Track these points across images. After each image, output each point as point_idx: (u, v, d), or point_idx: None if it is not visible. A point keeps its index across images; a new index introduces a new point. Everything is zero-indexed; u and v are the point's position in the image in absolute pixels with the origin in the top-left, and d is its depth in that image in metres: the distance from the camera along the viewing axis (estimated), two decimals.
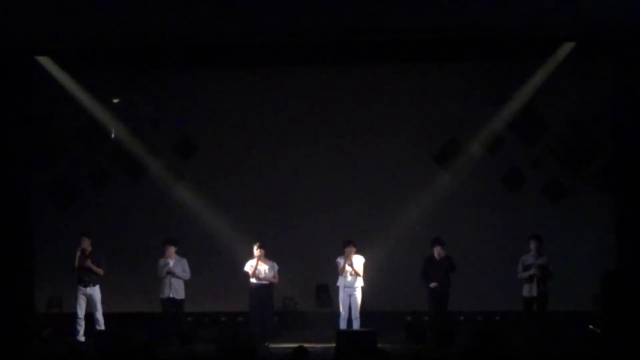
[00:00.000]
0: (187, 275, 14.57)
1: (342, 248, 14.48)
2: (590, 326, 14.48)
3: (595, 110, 15.71)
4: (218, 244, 15.81)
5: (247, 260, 14.60)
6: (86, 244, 14.50)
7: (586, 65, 15.47)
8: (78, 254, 14.41)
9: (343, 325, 14.42)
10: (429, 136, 16.05)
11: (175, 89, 16.16)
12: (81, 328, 14.50)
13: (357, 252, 14.53)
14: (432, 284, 14.47)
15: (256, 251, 14.48)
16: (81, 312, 14.48)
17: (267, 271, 14.49)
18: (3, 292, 15.03)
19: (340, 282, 14.56)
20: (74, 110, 15.99)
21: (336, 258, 14.54)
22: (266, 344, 14.10)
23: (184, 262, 14.59)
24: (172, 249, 14.54)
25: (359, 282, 14.52)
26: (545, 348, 13.55)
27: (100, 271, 14.49)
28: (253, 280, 14.54)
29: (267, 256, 14.59)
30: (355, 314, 14.48)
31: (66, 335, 14.59)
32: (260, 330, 14.11)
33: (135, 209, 16.19)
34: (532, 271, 14.10)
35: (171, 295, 14.46)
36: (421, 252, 14.75)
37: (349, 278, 14.48)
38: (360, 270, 14.48)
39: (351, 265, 14.42)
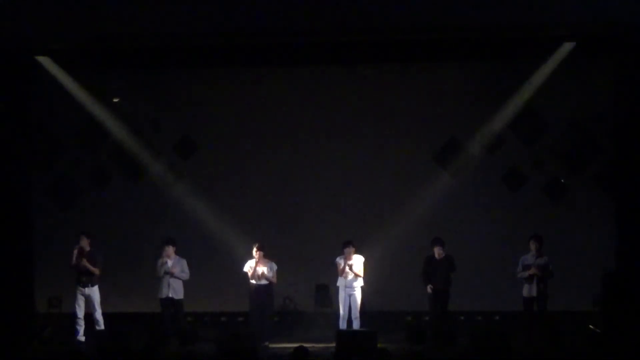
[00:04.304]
0: (185, 275, 14.56)
1: (341, 248, 14.47)
2: (591, 326, 14.48)
3: (595, 110, 15.71)
4: (218, 244, 15.81)
5: (246, 260, 14.60)
6: (85, 243, 14.48)
7: (586, 65, 15.48)
8: (75, 252, 14.40)
9: (343, 325, 14.42)
10: (429, 136, 16.06)
11: (175, 89, 16.17)
12: (81, 328, 14.49)
13: (357, 252, 14.52)
14: (429, 287, 14.48)
15: (255, 253, 14.47)
16: (80, 312, 14.48)
17: (265, 272, 14.48)
18: (3, 292, 15.02)
19: (340, 282, 14.55)
20: (74, 110, 16.00)
21: (336, 259, 14.54)
22: (266, 344, 14.12)
23: (183, 262, 14.58)
24: (171, 249, 14.53)
25: (359, 282, 14.51)
26: (545, 348, 13.56)
27: (95, 270, 14.43)
28: (253, 280, 14.53)
29: (266, 256, 14.58)
30: (355, 314, 14.48)
31: (66, 335, 14.58)
32: (260, 330, 14.10)
33: (135, 209, 16.19)
34: (531, 270, 14.10)
35: (170, 295, 14.45)
36: (421, 252, 14.75)
37: (349, 278, 14.47)
38: (361, 271, 14.46)
39: (350, 267, 14.40)
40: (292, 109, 16.11)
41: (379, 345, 12.76)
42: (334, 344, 13.13)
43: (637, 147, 14.91)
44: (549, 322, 14.09)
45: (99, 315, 14.49)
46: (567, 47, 15.00)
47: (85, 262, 14.39)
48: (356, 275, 14.43)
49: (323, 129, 16.11)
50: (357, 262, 14.47)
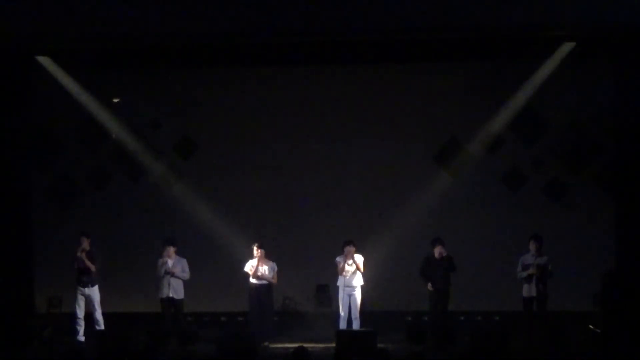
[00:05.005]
0: (186, 275, 14.55)
1: (341, 248, 14.47)
2: (591, 326, 14.48)
3: (595, 110, 15.71)
4: (218, 243, 15.79)
5: (247, 260, 14.60)
6: (86, 244, 14.48)
7: (586, 65, 15.48)
8: (79, 254, 14.38)
9: (343, 325, 14.41)
10: (429, 136, 16.05)
11: (175, 89, 16.17)
12: (81, 328, 14.49)
13: (357, 252, 14.51)
14: (429, 285, 14.48)
15: (256, 252, 14.47)
16: (80, 312, 14.48)
17: (267, 271, 14.48)
18: (3, 292, 15.02)
19: (340, 282, 14.55)
20: (74, 110, 16.00)
21: (336, 258, 14.53)
22: (266, 344, 14.12)
23: (184, 262, 14.57)
24: (171, 249, 14.53)
25: (359, 282, 14.50)
26: (545, 348, 13.56)
27: (92, 266, 14.41)
28: (253, 280, 14.53)
29: (267, 256, 14.58)
30: (355, 314, 14.47)
31: (66, 335, 14.58)
32: (260, 330, 14.10)
33: (135, 209, 16.18)
34: (530, 270, 14.10)
35: (170, 295, 14.45)
36: (421, 252, 14.75)
37: (349, 277, 14.47)
38: (361, 266, 14.44)
39: (352, 260, 14.37)
40: (292, 109, 16.10)
41: (379, 345, 12.75)
42: (334, 344, 13.12)
43: (637, 147, 14.94)
44: (549, 322, 14.08)
45: (99, 315, 14.49)
46: (567, 47, 15.00)
47: (83, 256, 14.32)
48: (357, 268, 14.39)
49: (323, 129, 16.10)
50: (357, 261, 14.46)
